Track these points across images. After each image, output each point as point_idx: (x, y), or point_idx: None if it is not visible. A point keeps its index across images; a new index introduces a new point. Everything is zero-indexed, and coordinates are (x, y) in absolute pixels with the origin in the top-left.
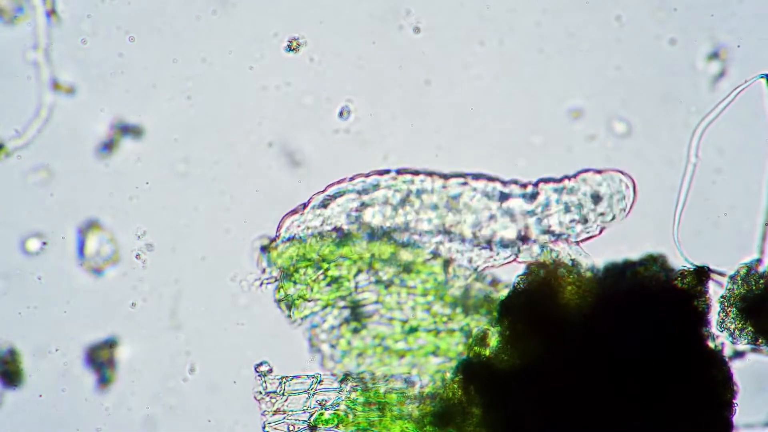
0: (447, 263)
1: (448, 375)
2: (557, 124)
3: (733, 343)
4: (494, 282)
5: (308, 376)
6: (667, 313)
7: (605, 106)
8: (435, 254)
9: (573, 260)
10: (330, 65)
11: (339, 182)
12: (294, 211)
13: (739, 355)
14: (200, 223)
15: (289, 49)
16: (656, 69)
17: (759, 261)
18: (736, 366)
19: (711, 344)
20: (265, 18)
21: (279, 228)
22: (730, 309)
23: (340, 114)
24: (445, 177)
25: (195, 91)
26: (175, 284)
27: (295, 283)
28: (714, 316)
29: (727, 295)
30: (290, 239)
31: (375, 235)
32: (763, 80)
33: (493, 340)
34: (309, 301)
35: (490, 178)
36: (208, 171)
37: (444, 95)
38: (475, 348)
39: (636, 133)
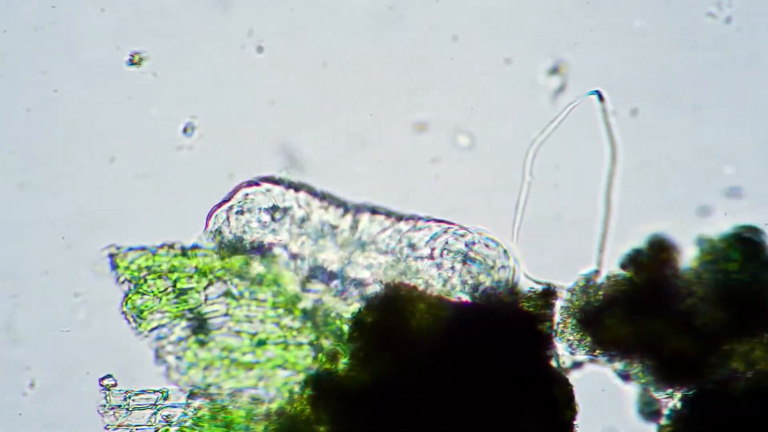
0: (302, 278)
1: (296, 389)
2: (402, 136)
3: (571, 353)
4: (350, 297)
5: (154, 391)
6: (513, 336)
7: (449, 121)
8: (288, 267)
9: (426, 282)
10: (174, 80)
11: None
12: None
13: (577, 365)
14: (39, 237)
15: (131, 63)
16: (497, 84)
17: (597, 272)
18: (575, 376)
19: (555, 365)
20: (108, 31)
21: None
22: (568, 320)
23: (184, 130)
24: (296, 189)
25: (35, 105)
26: (13, 299)
27: (142, 294)
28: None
29: (566, 306)
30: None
31: (226, 246)
32: (594, 97)
33: (344, 357)
34: (157, 312)
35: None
36: (50, 184)
37: (288, 111)
38: (326, 364)
39: (478, 147)
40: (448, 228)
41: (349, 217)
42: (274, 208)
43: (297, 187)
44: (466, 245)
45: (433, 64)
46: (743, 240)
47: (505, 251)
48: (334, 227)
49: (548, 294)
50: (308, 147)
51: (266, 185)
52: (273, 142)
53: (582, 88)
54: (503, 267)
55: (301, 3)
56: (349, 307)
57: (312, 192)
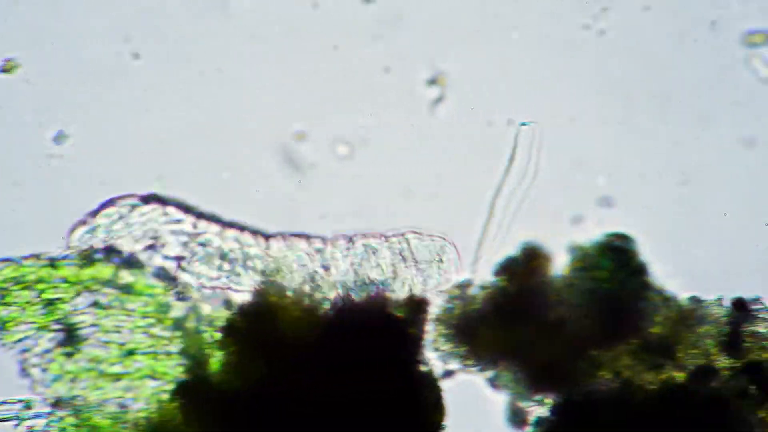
0: (174, 286)
1: (165, 398)
2: (287, 143)
3: (443, 362)
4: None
5: (18, 401)
6: (382, 340)
7: (328, 130)
8: (159, 276)
9: (298, 288)
10: (48, 88)
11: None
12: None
13: (449, 374)
14: None
15: (3, 70)
16: (375, 95)
17: (471, 281)
18: (446, 385)
19: (424, 368)
20: None
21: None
22: (441, 328)
23: (55, 139)
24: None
25: None
26: None
27: (7, 305)
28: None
29: (441, 316)
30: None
31: (88, 255)
32: (524, 127)
33: (215, 365)
34: (22, 324)
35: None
36: None
37: (161, 120)
38: (196, 370)
39: (358, 156)
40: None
41: (226, 232)
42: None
43: (167, 203)
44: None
45: (314, 73)
46: (613, 248)
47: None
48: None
49: (420, 302)
50: (183, 156)
51: (130, 200)
52: (146, 151)
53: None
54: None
55: (178, 13)
56: (221, 315)
57: (183, 207)
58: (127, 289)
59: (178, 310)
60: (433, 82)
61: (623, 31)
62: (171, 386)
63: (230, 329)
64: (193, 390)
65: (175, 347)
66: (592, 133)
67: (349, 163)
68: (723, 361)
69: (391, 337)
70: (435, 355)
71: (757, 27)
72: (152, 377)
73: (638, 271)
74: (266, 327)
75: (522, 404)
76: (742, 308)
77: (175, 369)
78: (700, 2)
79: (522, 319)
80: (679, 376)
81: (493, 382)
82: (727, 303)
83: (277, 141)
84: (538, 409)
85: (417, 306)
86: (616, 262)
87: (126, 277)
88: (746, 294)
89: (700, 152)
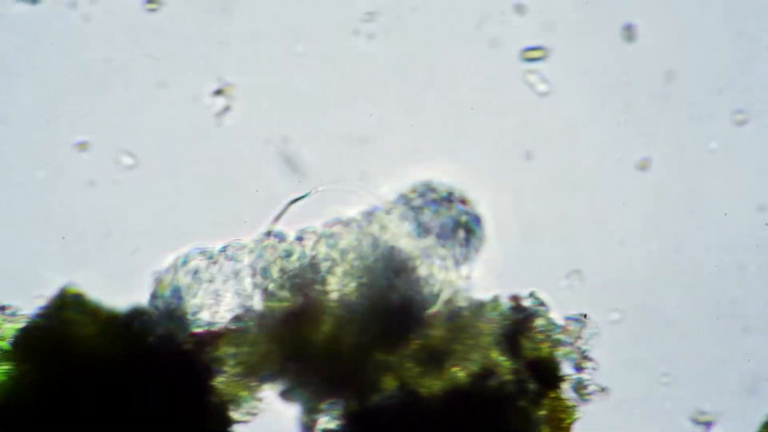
0: None
1: None
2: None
3: (239, 380)
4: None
5: None
6: (175, 369)
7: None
8: None
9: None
10: None
11: None
12: None
13: (249, 389)
14: None
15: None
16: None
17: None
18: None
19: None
20: None
21: None
22: (228, 349)
23: None
24: None
25: None
26: None
27: None
28: None
29: (229, 337)
30: None
31: None
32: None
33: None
34: None
35: None
36: None
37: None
38: None
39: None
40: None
41: None
42: None
43: None
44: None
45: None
46: (386, 254)
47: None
48: None
49: (212, 335)
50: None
51: None
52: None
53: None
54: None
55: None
56: (12, 326)
57: None
58: None
59: None
60: (219, 92)
61: (398, 44)
62: None
63: (17, 342)
64: None
65: None
66: (380, 150)
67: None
68: (502, 360)
69: (181, 363)
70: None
71: (533, 44)
72: None
73: (405, 270)
74: (60, 338)
75: (312, 416)
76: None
77: None
78: (478, 17)
79: (303, 329)
80: (462, 376)
81: (284, 394)
82: (505, 302)
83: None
84: (326, 420)
85: (210, 336)
86: (387, 268)
87: None
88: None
89: (474, 164)
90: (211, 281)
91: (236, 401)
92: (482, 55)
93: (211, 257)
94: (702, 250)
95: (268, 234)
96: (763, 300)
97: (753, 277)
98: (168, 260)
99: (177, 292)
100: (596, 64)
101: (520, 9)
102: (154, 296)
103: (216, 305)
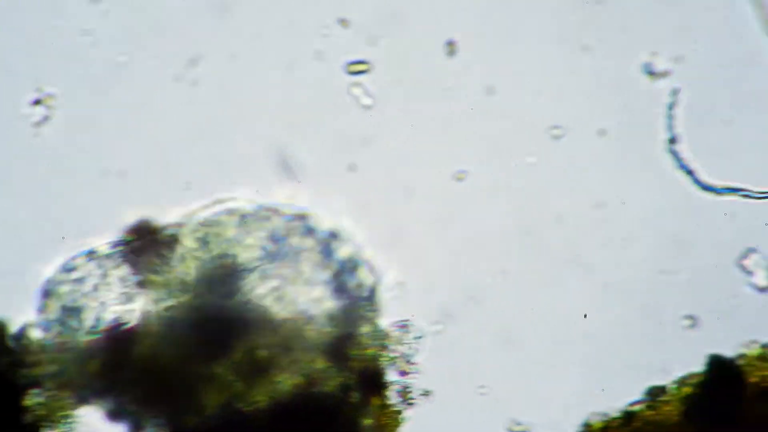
0: None
1: None
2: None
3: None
4: None
5: None
6: None
7: None
8: None
9: None
10: None
11: None
12: None
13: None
14: None
15: None
16: None
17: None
18: None
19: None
20: None
21: None
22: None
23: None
24: None
25: None
26: None
27: None
28: None
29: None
30: None
31: None
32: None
33: None
34: None
35: None
36: None
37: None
38: None
39: None
40: None
41: None
42: None
43: None
44: None
45: None
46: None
47: None
48: None
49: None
50: None
51: None
52: None
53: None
54: None
55: None
56: None
57: None
58: None
59: None
60: (38, 102)
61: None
62: None
63: None
64: None
65: None
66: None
67: None
68: (328, 369)
69: None
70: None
71: (356, 58)
72: None
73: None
74: None
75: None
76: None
77: None
78: (303, 31)
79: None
80: (287, 387)
81: (112, 414)
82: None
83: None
84: None
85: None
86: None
87: None
88: None
89: (302, 178)
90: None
91: (54, 420)
92: (307, 68)
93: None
94: (515, 261)
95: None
96: (581, 311)
97: (562, 292)
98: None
99: None
100: (418, 78)
101: (344, 22)
102: None
103: None
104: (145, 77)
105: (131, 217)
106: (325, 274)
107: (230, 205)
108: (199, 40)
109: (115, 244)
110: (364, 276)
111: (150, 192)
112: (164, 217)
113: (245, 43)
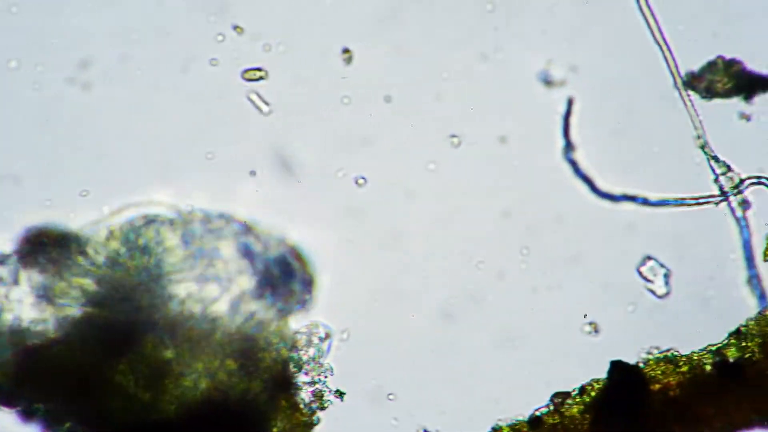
0: None
1: None
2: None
3: None
4: None
5: None
6: None
7: None
8: None
9: None
10: None
11: None
12: None
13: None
14: None
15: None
16: None
17: None
18: None
19: None
20: None
21: None
22: None
23: None
24: None
25: None
26: None
27: None
28: None
29: None
30: None
31: None
32: None
33: None
34: None
35: None
36: None
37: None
38: None
39: None
40: None
41: None
42: None
43: None
44: None
45: None
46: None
47: None
48: None
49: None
50: None
51: None
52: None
53: None
54: None
55: None
56: None
57: None
58: None
59: None
60: None
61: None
62: None
63: None
64: None
65: None
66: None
67: None
68: (237, 373)
69: None
70: None
71: (251, 65)
72: None
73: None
74: None
75: None
76: None
77: None
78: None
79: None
80: (194, 393)
81: (24, 416)
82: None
83: None
84: None
85: None
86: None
87: None
88: None
89: (201, 186)
90: None
91: None
92: (205, 76)
93: None
94: (418, 271)
95: None
96: (499, 319)
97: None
98: None
99: None
100: (316, 85)
101: (239, 29)
102: None
103: None
104: (37, 81)
105: (31, 222)
106: (240, 276)
107: (143, 209)
108: (91, 42)
109: (19, 250)
110: (278, 277)
111: (46, 197)
112: (67, 222)
113: (137, 45)
